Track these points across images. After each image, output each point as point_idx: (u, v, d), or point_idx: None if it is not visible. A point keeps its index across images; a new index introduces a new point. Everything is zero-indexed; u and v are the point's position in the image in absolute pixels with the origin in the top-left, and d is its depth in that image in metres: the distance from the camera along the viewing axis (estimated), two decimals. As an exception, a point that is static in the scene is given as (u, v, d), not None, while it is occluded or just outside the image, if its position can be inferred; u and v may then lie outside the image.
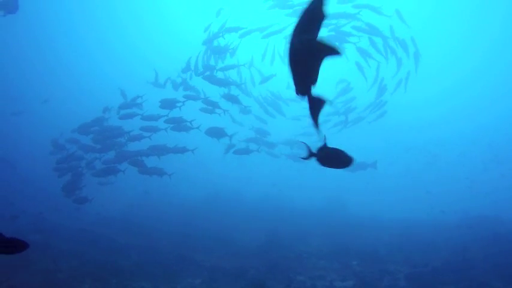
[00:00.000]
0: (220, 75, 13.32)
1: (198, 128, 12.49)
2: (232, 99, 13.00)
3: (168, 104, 12.80)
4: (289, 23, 14.35)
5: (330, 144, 4.26)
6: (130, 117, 13.07)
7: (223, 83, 13.13)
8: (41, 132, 14.26)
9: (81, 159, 13.70)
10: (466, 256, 11.97)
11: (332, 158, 4.26)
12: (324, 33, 13.32)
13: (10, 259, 4.54)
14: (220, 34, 13.89)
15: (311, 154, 4.38)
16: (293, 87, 2.88)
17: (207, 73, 13.10)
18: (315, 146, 4.23)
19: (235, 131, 13.31)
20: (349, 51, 13.66)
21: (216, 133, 12.48)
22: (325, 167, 4.39)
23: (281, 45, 15.49)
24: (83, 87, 37.52)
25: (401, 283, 10.02)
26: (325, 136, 4.20)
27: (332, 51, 2.44)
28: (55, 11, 37.04)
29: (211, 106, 12.85)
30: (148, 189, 20.84)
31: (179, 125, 12.52)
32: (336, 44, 2.46)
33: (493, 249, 12.50)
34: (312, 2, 2.41)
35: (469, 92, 43.30)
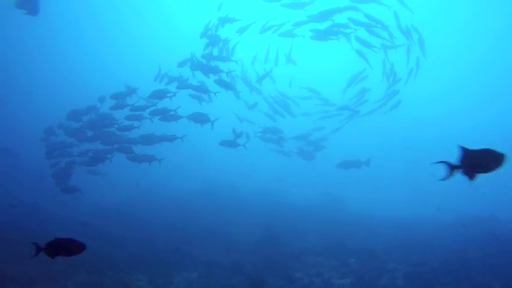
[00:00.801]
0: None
1: (187, 118, 12.27)
2: (226, 85, 12.87)
3: (159, 95, 12.62)
4: (287, 19, 14.17)
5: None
6: (121, 108, 12.84)
7: (214, 70, 12.91)
8: (44, 122, 14.23)
9: (72, 147, 13.47)
10: (464, 256, 11.95)
11: (481, 161, 3.87)
12: (322, 26, 13.19)
13: (3, 249, 4.39)
14: (220, 26, 13.70)
15: (454, 167, 3.98)
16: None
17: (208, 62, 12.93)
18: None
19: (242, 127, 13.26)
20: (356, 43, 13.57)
21: (200, 118, 12.24)
22: (473, 177, 3.93)
23: (284, 45, 15.41)
24: (85, 80, 37.38)
25: (400, 282, 9.96)
26: (464, 147, 3.76)
27: None
28: (58, 8, 36.70)
29: (201, 92, 12.69)
30: (140, 180, 20.64)
31: (166, 115, 12.26)
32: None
33: (491, 250, 12.50)
34: None
35: (466, 91, 43.29)
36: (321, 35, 13.26)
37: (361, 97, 15.42)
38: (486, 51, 43.03)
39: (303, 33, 13.80)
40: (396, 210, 20.33)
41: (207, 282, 9.50)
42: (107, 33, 43.97)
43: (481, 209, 20.09)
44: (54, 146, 13.54)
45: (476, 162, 3.83)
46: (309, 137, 16.18)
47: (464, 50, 43.28)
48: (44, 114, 14.33)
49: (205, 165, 26.63)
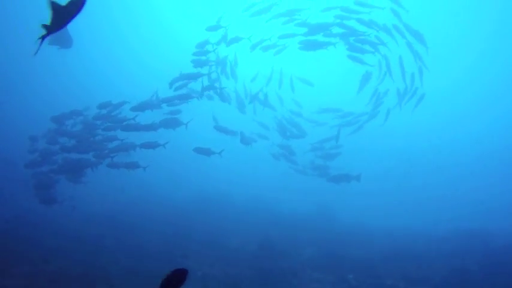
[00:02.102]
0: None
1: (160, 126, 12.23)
2: (212, 89, 12.77)
3: (141, 108, 12.38)
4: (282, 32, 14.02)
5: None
6: (105, 119, 12.56)
7: (195, 76, 12.79)
8: (41, 129, 14.11)
9: (55, 155, 13.14)
10: (463, 268, 11.84)
11: None
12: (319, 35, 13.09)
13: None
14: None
15: None
16: None
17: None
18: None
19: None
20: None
21: (170, 124, 12.24)
22: None
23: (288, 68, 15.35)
24: (86, 87, 37.34)
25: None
26: None
27: None
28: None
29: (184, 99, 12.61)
30: (125, 187, 20.25)
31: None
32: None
33: (490, 264, 12.39)
34: None
35: (460, 100, 43.40)
36: (310, 46, 13.16)
37: (378, 99, 15.12)
38: (482, 55, 43.20)
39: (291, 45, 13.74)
40: (392, 220, 20.23)
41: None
42: (105, 42, 44.10)
43: (476, 220, 20.05)
44: (37, 155, 13.24)
45: None
46: (325, 144, 15.98)
47: (460, 53, 43.35)
48: (43, 120, 14.13)
49: (200, 173, 26.32)
